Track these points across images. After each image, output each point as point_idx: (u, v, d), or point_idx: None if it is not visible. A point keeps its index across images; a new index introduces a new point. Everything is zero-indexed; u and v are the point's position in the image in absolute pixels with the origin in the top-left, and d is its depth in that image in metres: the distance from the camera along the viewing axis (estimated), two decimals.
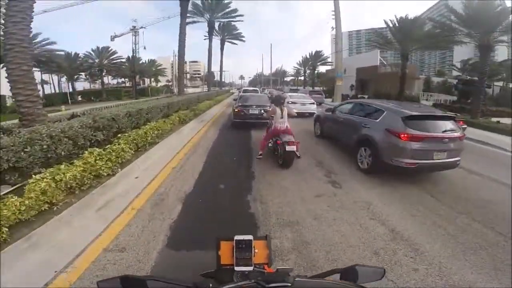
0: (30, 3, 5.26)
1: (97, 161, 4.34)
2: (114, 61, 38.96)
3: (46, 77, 42.33)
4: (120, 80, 54.76)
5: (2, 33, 5.80)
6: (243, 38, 41.18)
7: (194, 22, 32.27)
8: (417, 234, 3.02)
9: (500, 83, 28.06)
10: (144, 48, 43.15)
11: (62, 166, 3.90)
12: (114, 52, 37.84)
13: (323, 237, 2.93)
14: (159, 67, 55.15)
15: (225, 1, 32.03)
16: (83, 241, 2.69)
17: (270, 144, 5.76)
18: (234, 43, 42.18)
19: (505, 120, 11.89)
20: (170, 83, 58.92)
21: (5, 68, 5.32)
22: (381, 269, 0.98)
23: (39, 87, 39.28)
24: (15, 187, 3.73)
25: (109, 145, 4.79)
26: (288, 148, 4.77)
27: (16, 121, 5.69)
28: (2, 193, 3.44)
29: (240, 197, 3.92)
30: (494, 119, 12.23)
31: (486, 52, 13.15)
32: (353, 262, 1.08)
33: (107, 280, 0.81)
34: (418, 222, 3.31)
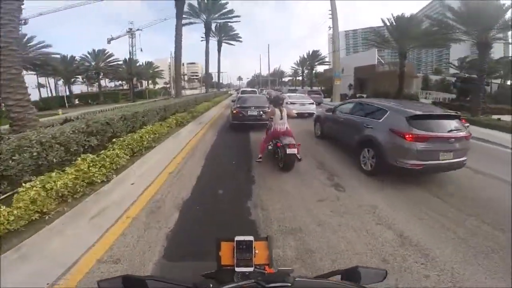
0: (18, 5, 5.08)
1: (90, 168, 4.18)
2: (111, 64, 38.78)
3: (42, 80, 42.24)
4: (117, 83, 54.58)
5: None
6: (240, 39, 41.14)
7: (190, 23, 32.09)
8: (426, 238, 2.90)
9: (497, 81, 28.09)
10: (141, 50, 43.04)
11: (53, 174, 3.75)
12: (111, 55, 37.68)
13: (328, 245, 2.79)
14: (156, 69, 55.00)
15: (222, 2, 31.89)
16: (76, 252, 2.57)
17: (270, 147, 5.60)
18: (231, 44, 42.10)
19: (506, 118, 11.81)
20: (168, 85, 58.66)
21: None
22: (383, 271, 0.96)
23: (36, 90, 39.24)
24: (3, 196, 3.56)
25: (103, 151, 4.62)
26: (289, 151, 4.62)
27: (7, 126, 5.51)
28: None
29: (240, 203, 3.76)
30: (495, 117, 12.15)
31: (484, 49, 13.08)
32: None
33: (108, 280, 0.81)
34: (426, 226, 3.18)
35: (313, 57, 46.88)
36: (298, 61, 52.25)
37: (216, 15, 33.17)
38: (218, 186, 4.30)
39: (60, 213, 3.36)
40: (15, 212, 2.91)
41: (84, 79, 43.12)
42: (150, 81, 56.50)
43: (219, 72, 45.77)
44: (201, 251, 2.49)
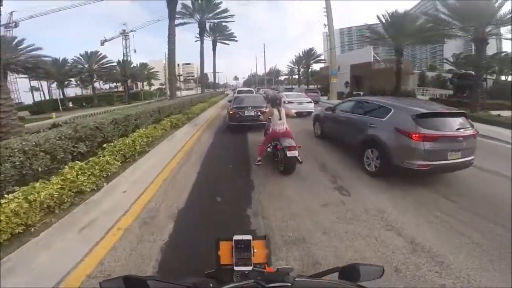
0: None
1: (78, 176, 3.92)
2: (105, 66, 38.26)
3: (36, 84, 41.70)
4: (112, 85, 54.09)
5: None
6: (235, 38, 40.81)
7: (184, 23, 31.71)
8: (439, 244, 2.75)
9: (492, 77, 28.18)
10: (135, 51, 42.58)
11: (37, 184, 3.49)
12: (104, 57, 37.19)
13: (335, 255, 2.60)
14: (151, 70, 54.50)
15: (216, 1, 31.56)
16: (64, 267, 2.41)
17: (269, 149, 5.37)
18: (226, 44, 41.78)
19: (504, 113, 11.73)
20: (163, 86, 58.19)
21: None
22: (380, 267, 0.97)
23: (29, 94, 38.61)
24: None
25: (91, 158, 4.35)
26: (289, 153, 4.38)
27: None
28: None
29: (239, 211, 3.53)
30: (494, 112, 12.06)
31: (481, 45, 12.97)
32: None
33: (109, 280, 0.83)
34: (437, 230, 3.02)
35: (309, 56, 46.66)
36: (294, 60, 52.02)
37: (210, 15, 32.84)
38: (215, 192, 4.07)
39: (47, 225, 3.13)
40: None
41: (78, 82, 42.62)
42: (145, 83, 56.01)
43: (214, 72, 45.39)
44: (198, 266, 2.28)
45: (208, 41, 38.81)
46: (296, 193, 4.01)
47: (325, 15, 23.06)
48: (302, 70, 49.91)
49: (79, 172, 3.96)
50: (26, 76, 33.05)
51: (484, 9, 11.80)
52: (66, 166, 3.96)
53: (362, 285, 0.86)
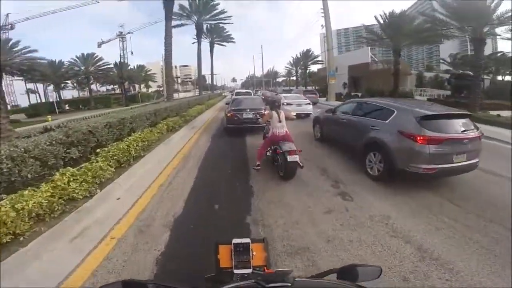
0: None
1: (70, 183, 3.74)
2: (101, 68, 38.07)
3: (32, 86, 41.31)
4: (109, 87, 53.83)
5: None
6: (232, 40, 40.75)
7: (182, 25, 31.64)
8: (448, 250, 2.65)
9: (488, 77, 28.26)
10: (132, 53, 42.18)
11: (26, 192, 3.31)
12: (101, 59, 37.02)
13: (341, 264, 2.43)
14: (149, 72, 54.30)
15: (213, 3, 31.47)
16: (54, 279, 2.30)
17: (268, 153, 5.21)
18: (223, 45, 41.67)
19: (504, 113, 11.70)
20: (161, 89, 57.98)
21: None
22: (378, 268, 0.97)
23: (25, 96, 38.30)
24: None
25: (84, 164, 4.18)
26: (289, 158, 4.23)
27: None
28: None
29: (238, 219, 3.37)
30: (493, 113, 12.03)
31: (479, 45, 12.97)
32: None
33: (109, 285, 0.84)
34: (445, 236, 2.92)
35: (306, 57, 46.77)
36: (292, 61, 52.12)
37: (208, 16, 32.74)
38: (213, 199, 3.90)
39: (37, 234, 2.94)
40: None
41: (75, 84, 42.34)
42: (143, 85, 55.77)
43: (212, 74, 45.32)
44: (195, 278, 2.16)
45: (205, 43, 38.76)
46: (297, 199, 3.86)
47: (322, 16, 23.04)
48: (300, 71, 49.98)
49: (71, 179, 3.78)
50: (21, 78, 32.76)
51: (482, 9, 11.78)
52: (57, 173, 3.78)
53: (362, 285, 0.86)
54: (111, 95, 44.19)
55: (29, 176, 3.70)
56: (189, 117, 11.39)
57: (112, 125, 5.49)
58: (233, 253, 0.99)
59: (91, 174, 3.98)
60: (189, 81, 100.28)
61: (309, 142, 7.51)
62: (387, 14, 19.15)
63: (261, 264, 1.03)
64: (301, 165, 4.44)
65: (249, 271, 0.96)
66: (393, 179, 4.30)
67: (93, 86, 43.68)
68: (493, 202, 3.72)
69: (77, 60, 35.99)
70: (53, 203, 3.35)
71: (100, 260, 2.60)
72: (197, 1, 30.60)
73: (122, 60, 39.23)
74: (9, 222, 2.77)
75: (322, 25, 23.67)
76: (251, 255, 0.99)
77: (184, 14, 30.75)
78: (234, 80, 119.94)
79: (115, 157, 4.61)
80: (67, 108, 34.89)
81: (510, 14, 11.50)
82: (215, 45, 40.60)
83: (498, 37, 12.55)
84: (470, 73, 17.45)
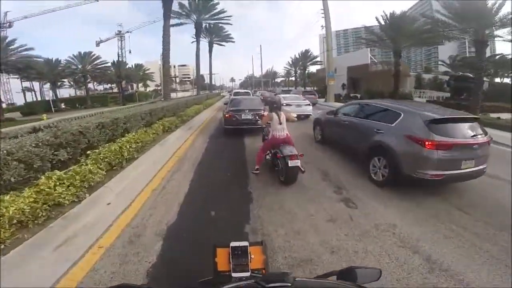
0: None
1: (56, 187, 3.50)
2: (99, 67, 37.71)
3: (28, 84, 40.86)
4: (107, 86, 53.47)
5: None
6: (232, 39, 40.47)
7: (181, 24, 31.36)
8: (457, 261, 2.54)
9: (487, 79, 28.29)
10: (130, 52, 41.96)
11: (7, 197, 3.08)
12: (98, 57, 36.68)
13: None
14: (147, 72, 53.98)
15: (213, 2, 31.20)
16: None
17: (267, 157, 4.99)
18: (222, 45, 41.39)
19: (503, 116, 11.62)
20: (159, 88, 57.64)
21: None
22: (377, 270, 0.98)
23: (21, 95, 37.90)
24: None
25: (72, 167, 3.94)
26: (291, 163, 4.01)
27: None
28: None
29: (236, 228, 3.16)
30: (492, 115, 11.93)
31: (481, 47, 12.85)
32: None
33: None
34: (454, 246, 2.79)
35: (305, 57, 46.68)
36: (291, 62, 52.01)
37: (207, 16, 32.47)
38: (209, 205, 3.67)
39: (20, 241, 2.73)
40: None
41: (71, 83, 41.97)
42: (141, 84, 55.44)
43: (210, 73, 44.97)
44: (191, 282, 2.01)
45: (204, 42, 38.47)
46: (299, 206, 3.65)
47: (322, 17, 22.90)
48: (299, 71, 49.88)
49: (57, 183, 3.55)
50: (17, 76, 32.38)
51: (485, 10, 11.66)
52: (43, 177, 3.54)
53: (362, 286, 0.87)
54: (108, 94, 43.90)
55: (12, 179, 3.46)
56: (186, 117, 11.14)
57: (105, 125, 5.24)
58: (231, 256, 0.97)
59: (79, 178, 3.74)
60: (188, 80, 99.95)
61: (309, 144, 7.30)
62: (388, 15, 19.04)
63: (260, 267, 1.02)
64: (303, 170, 4.22)
65: (247, 274, 0.94)
66: (398, 185, 4.12)
67: (90, 85, 43.31)
68: (500, 208, 3.62)
69: (74, 58, 35.63)
70: (36, 209, 3.12)
71: (86, 270, 2.43)
72: (196, 0, 30.34)
73: (120, 59, 38.83)
74: None
75: (322, 26, 23.54)
76: (249, 258, 0.98)
77: (184, 13, 30.50)
78: (232, 80, 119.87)
79: (106, 159, 4.36)
80: (63, 106, 34.43)
81: (511, 16, 11.40)
82: (214, 44, 40.33)
83: (500, 39, 12.43)
84: (470, 75, 17.40)
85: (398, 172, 3.99)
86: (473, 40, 12.98)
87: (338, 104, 18.53)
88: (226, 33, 39.59)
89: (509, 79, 28.35)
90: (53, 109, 30.01)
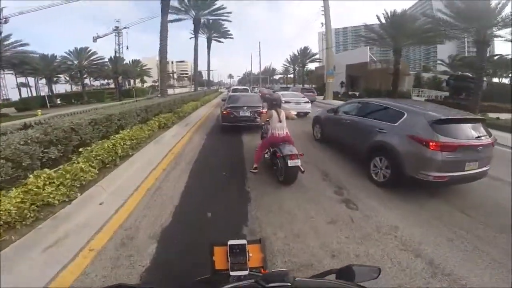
0: None
1: (46, 187, 3.35)
2: (95, 62, 37.27)
3: (24, 80, 40.27)
4: (104, 82, 52.99)
5: None
6: (231, 36, 40.03)
7: (179, 19, 30.89)
8: (460, 265, 2.50)
9: (485, 79, 28.38)
10: (127, 48, 41.52)
11: None
12: (94, 53, 36.28)
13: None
14: (144, 68, 53.54)
15: None
16: None
17: (266, 155, 4.86)
18: (221, 42, 40.98)
19: (503, 116, 11.61)
20: (156, 84, 57.22)
21: None
22: (376, 268, 0.98)
23: (16, 90, 37.46)
24: None
25: (61, 165, 3.78)
26: (290, 163, 3.87)
27: None
28: None
29: (233, 230, 3.03)
30: (491, 115, 11.89)
31: (483, 47, 12.77)
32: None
33: None
34: (457, 249, 2.75)
35: (304, 55, 46.48)
36: (289, 59, 51.81)
37: (206, 12, 32.05)
38: (205, 206, 3.53)
39: (7, 243, 2.61)
40: None
41: (68, 78, 41.52)
42: (138, 80, 55.02)
43: (208, 70, 44.56)
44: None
45: (203, 39, 38.06)
46: (298, 207, 3.53)
47: (322, 14, 22.71)
48: (297, 69, 49.71)
49: (47, 182, 3.40)
50: (11, 72, 31.91)
51: (487, 10, 11.57)
52: (31, 175, 3.38)
53: (362, 285, 0.86)
54: (105, 90, 43.44)
55: None
56: (183, 114, 10.97)
57: (98, 122, 5.07)
58: (229, 255, 0.95)
59: (70, 177, 3.59)
60: (185, 76, 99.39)
61: (308, 142, 7.19)
62: (389, 13, 18.88)
63: (258, 266, 1.00)
64: (302, 169, 4.09)
65: (246, 272, 0.92)
66: (400, 186, 4.03)
67: (87, 81, 42.84)
68: (502, 210, 3.58)
69: (70, 54, 35.16)
70: (23, 210, 2.98)
71: (76, 274, 2.33)
72: None
73: (117, 55, 38.46)
74: None
75: (322, 23, 23.35)
76: (247, 256, 0.95)
77: (182, 8, 30.06)
78: (231, 76, 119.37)
79: (98, 157, 4.21)
80: (59, 102, 34.00)
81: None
82: (212, 41, 39.93)
83: (501, 39, 12.34)
84: (469, 74, 17.36)
85: (400, 173, 3.88)
86: (475, 40, 12.88)
87: (336, 102, 18.50)
88: (225, 30, 39.19)
89: (508, 79, 28.43)
90: (48, 104, 29.65)
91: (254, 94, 12.71)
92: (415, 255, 2.62)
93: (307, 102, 12.67)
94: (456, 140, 3.58)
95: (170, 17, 21.71)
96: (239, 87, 24.05)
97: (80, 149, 4.35)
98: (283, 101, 11.28)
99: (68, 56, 35.25)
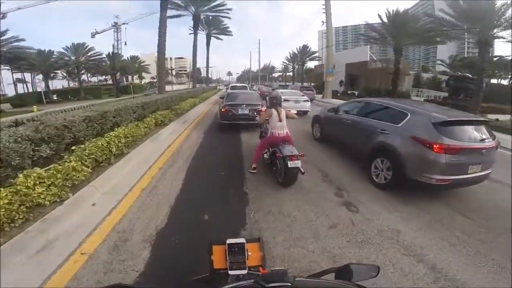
0: None
1: (36, 187, 3.22)
2: (93, 58, 36.90)
3: (20, 76, 39.81)
4: (101, 78, 52.59)
5: None
6: (230, 33, 39.70)
7: (179, 15, 30.53)
8: (463, 270, 2.47)
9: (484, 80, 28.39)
10: (125, 44, 41.07)
11: None
12: (91, 49, 35.91)
13: None
14: (142, 64, 53.15)
15: None
16: None
17: (265, 155, 4.74)
18: (220, 39, 40.63)
19: (501, 117, 11.59)
20: (154, 80, 56.85)
21: None
22: (375, 267, 0.97)
23: (12, 86, 37.08)
24: None
25: (53, 165, 3.65)
26: (290, 164, 3.76)
27: None
28: None
29: (231, 233, 2.92)
30: (490, 116, 11.84)
31: (485, 48, 12.68)
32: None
33: None
34: (460, 253, 2.71)
35: (304, 53, 46.29)
36: (289, 57, 51.61)
37: (206, 8, 31.71)
38: (202, 208, 3.42)
39: None
40: None
41: (65, 74, 41.13)
42: (136, 76, 54.63)
43: (207, 66, 44.23)
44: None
45: (202, 35, 37.71)
46: (298, 210, 3.43)
47: (323, 13, 22.54)
48: (296, 67, 49.55)
49: (37, 182, 3.27)
50: (8, 68, 31.51)
51: (491, 11, 11.47)
52: (21, 175, 3.25)
53: (361, 285, 0.85)
54: (102, 86, 43.12)
55: None
56: (181, 111, 10.83)
57: (92, 119, 4.92)
58: (227, 254, 0.95)
59: (61, 176, 3.46)
60: (184, 73, 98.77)
61: (308, 142, 7.08)
62: (391, 12, 18.74)
63: (257, 264, 1.01)
64: (302, 171, 3.98)
65: (245, 271, 0.92)
66: (401, 188, 3.94)
67: (84, 76, 42.46)
68: (502, 212, 3.57)
69: (68, 49, 34.76)
70: (12, 211, 2.85)
71: (67, 279, 2.24)
72: None
73: (115, 51, 38.09)
74: None
75: (322, 21, 23.19)
76: (246, 255, 0.96)
77: (182, 4, 29.70)
78: (229, 73, 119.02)
79: (92, 156, 4.07)
80: (55, 98, 33.67)
81: None
82: (211, 38, 39.58)
83: (503, 40, 12.25)
84: (469, 75, 17.29)
85: (402, 175, 3.79)
86: (477, 41, 12.78)
87: (335, 101, 18.40)
88: (225, 26, 38.84)
89: (506, 80, 28.45)
90: (44, 100, 29.37)
91: (253, 91, 12.56)
92: (417, 260, 2.56)
93: (306, 100, 12.54)
94: (460, 142, 3.49)
95: (170, 12, 21.45)
96: (238, 85, 23.89)
97: (73, 148, 4.21)
98: (282, 99, 11.18)
99: (66, 52, 34.90)
